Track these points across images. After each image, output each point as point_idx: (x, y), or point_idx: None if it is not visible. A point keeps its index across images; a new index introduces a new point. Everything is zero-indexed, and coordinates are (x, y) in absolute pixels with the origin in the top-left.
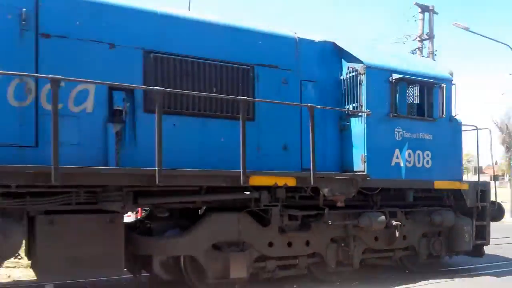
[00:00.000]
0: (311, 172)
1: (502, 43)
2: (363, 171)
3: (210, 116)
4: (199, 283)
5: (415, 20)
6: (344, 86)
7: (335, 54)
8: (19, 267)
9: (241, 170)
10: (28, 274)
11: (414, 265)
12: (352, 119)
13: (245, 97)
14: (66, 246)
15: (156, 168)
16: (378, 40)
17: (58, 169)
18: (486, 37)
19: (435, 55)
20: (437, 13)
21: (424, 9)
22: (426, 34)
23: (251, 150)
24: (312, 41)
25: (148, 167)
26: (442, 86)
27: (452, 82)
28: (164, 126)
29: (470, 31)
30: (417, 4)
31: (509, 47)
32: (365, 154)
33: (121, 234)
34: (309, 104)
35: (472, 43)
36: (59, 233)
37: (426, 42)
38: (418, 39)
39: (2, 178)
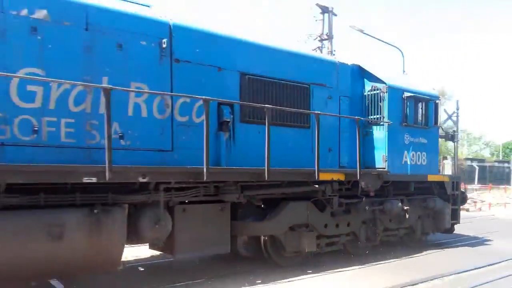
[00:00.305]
0: (358, 169)
1: (393, 46)
2: (384, 168)
3: (282, 125)
4: (277, 257)
5: (316, 21)
6: (368, 100)
7: (360, 74)
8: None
9: (316, 169)
10: (152, 254)
11: (412, 241)
12: (374, 127)
13: (319, 112)
14: (193, 229)
15: (266, 168)
16: (282, 38)
17: (209, 169)
18: (380, 40)
19: (334, 54)
20: (335, 15)
21: (324, 10)
22: (326, 34)
23: (308, 152)
24: (346, 64)
25: (242, 166)
26: (436, 102)
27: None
28: (252, 133)
29: (364, 33)
30: (318, 5)
31: (399, 50)
32: (386, 155)
33: (228, 220)
34: (356, 117)
35: (371, 45)
36: (189, 219)
37: (326, 42)
38: (319, 38)
39: (168, 176)
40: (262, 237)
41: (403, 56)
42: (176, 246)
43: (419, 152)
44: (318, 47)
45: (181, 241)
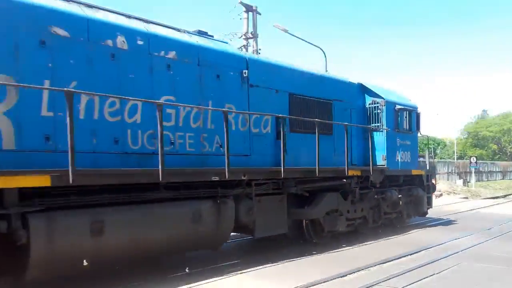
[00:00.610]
0: (370, 167)
1: (315, 46)
2: (384, 165)
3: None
4: (316, 236)
5: (240, 19)
6: (368, 112)
7: (362, 90)
8: None
9: (346, 167)
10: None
11: (399, 222)
12: (374, 133)
13: (347, 123)
14: (265, 215)
15: (317, 167)
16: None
17: (285, 170)
18: (303, 40)
19: (259, 53)
20: (260, 14)
21: (249, 8)
22: (251, 33)
23: (331, 153)
24: (354, 83)
25: (291, 166)
26: (418, 112)
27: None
28: (297, 140)
29: (288, 33)
30: (241, 3)
31: (321, 50)
32: (385, 155)
33: (285, 208)
34: (371, 126)
35: (295, 44)
36: (262, 207)
37: (251, 41)
38: (244, 37)
39: (259, 175)
40: (304, 221)
41: (325, 55)
42: (256, 228)
43: (405, 152)
44: (244, 46)
45: (259, 224)
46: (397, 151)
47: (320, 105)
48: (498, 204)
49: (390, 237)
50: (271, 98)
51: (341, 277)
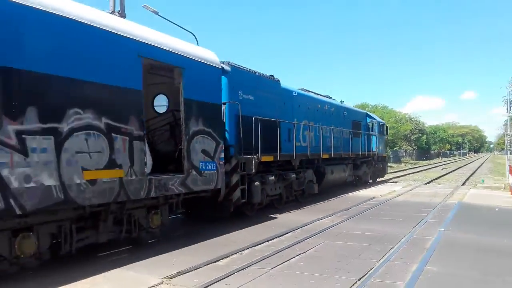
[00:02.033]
0: (371, 152)
1: (188, 31)
2: (376, 152)
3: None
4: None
5: None
6: (368, 126)
7: (366, 116)
8: None
9: (366, 152)
10: None
11: (359, 182)
12: (371, 136)
13: (371, 132)
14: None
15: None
16: None
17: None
18: (174, 24)
19: None
20: None
21: None
22: (118, 12)
23: (362, 146)
24: (364, 112)
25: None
26: (386, 125)
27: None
28: (354, 140)
29: (159, 15)
30: None
31: (193, 35)
32: (377, 147)
33: (352, 170)
34: (376, 133)
35: (165, 26)
36: (329, 177)
37: None
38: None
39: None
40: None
41: (196, 40)
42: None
43: (382, 145)
44: None
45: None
46: (380, 144)
47: (359, 124)
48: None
49: (266, 221)
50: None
51: (214, 262)
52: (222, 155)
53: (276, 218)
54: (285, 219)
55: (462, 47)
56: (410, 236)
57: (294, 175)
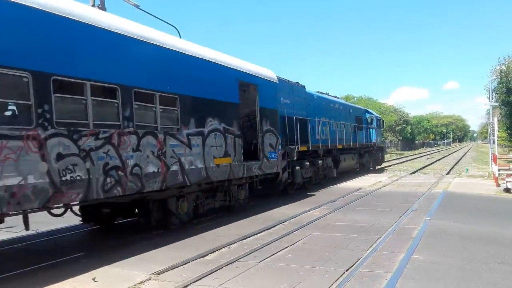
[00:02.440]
0: (371, 143)
1: (170, 24)
2: (376, 143)
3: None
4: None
5: None
6: (368, 121)
7: (366, 111)
8: None
9: (366, 142)
10: None
11: (363, 170)
12: (370, 129)
13: (371, 126)
14: (346, 163)
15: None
16: None
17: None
18: (156, 17)
19: None
20: None
21: None
22: (98, 6)
23: (365, 137)
24: (364, 108)
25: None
26: (383, 120)
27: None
28: (359, 132)
29: (140, 8)
30: None
31: (175, 28)
32: (375, 138)
33: (358, 159)
34: (375, 126)
35: (148, 20)
36: (343, 164)
37: None
38: None
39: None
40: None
41: (179, 33)
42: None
43: (379, 137)
44: None
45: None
46: (377, 136)
47: (361, 119)
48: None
49: (254, 215)
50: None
51: (202, 257)
52: (280, 147)
53: (313, 195)
54: (274, 212)
55: (445, 37)
56: (396, 226)
57: (321, 162)
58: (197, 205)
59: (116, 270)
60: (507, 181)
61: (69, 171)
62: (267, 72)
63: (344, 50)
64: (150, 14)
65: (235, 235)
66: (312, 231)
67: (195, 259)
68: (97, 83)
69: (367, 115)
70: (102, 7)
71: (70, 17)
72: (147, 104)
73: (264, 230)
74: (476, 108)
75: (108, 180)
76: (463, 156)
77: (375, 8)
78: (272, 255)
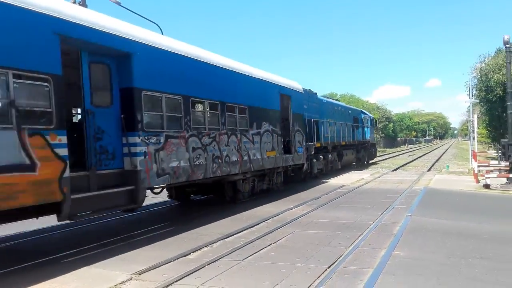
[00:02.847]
0: (366, 140)
1: (151, 21)
2: (370, 140)
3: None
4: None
5: None
6: (363, 120)
7: (361, 112)
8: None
9: (363, 140)
10: None
11: (358, 164)
12: (365, 128)
13: (366, 125)
14: (347, 157)
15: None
16: None
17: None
18: (138, 14)
19: None
20: None
21: None
22: (79, 3)
23: (361, 135)
24: (359, 109)
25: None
26: (376, 119)
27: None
28: (358, 130)
29: (122, 6)
30: None
31: (157, 25)
32: (368, 135)
33: (355, 154)
34: (369, 126)
35: (130, 17)
36: (345, 158)
37: None
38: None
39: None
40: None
41: (161, 30)
42: (362, 159)
43: (373, 134)
44: None
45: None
46: (371, 134)
47: (356, 119)
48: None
49: (236, 214)
50: (350, 118)
51: (184, 256)
52: (304, 143)
53: (326, 181)
54: (258, 210)
55: (428, 35)
56: (378, 223)
57: (330, 156)
58: (254, 186)
59: (96, 271)
60: (486, 178)
61: (197, 159)
62: (297, 85)
63: (327, 48)
64: (132, 12)
65: (218, 234)
66: (295, 229)
67: (177, 259)
68: (210, 101)
69: (362, 116)
70: (83, 3)
71: (199, 59)
72: (232, 113)
73: (247, 229)
74: (457, 106)
75: (214, 165)
76: (444, 153)
77: (357, 6)
78: (255, 253)
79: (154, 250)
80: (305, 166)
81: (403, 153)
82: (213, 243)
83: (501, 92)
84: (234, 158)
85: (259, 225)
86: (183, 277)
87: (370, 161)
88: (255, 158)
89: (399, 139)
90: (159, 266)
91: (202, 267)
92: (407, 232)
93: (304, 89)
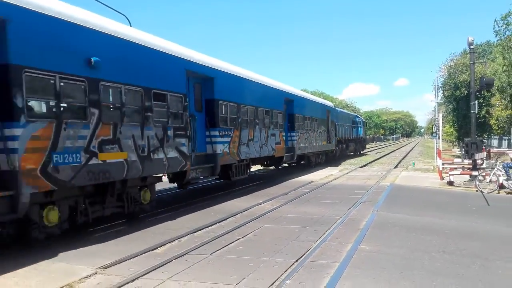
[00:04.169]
0: (361, 136)
1: (120, 13)
2: (362, 136)
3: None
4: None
5: None
6: (357, 122)
7: (356, 116)
8: None
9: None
10: None
11: (357, 151)
12: (359, 127)
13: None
14: (350, 148)
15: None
16: None
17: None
18: (106, 6)
19: None
20: None
21: None
22: None
23: (356, 133)
24: (355, 114)
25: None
26: (365, 121)
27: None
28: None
29: None
30: None
31: (126, 17)
32: (361, 133)
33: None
34: (362, 126)
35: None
36: (349, 148)
37: None
38: None
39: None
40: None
41: (129, 22)
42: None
43: (363, 132)
44: None
45: (349, 150)
46: (363, 132)
47: (354, 121)
48: (305, 173)
49: (205, 208)
50: (350, 121)
51: (151, 250)
52: (334, 137)
53: (296, 178)
54: (227, 205)
55: (397, 36)
56: (345, 218)
57: (344, 145)
58: (315, 159)
59: (59, 265)
60: (450, 175)
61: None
62: (330, 103)
63: (297, 41)
64: (100, 2)
65: (186, 228)
66: (263, 223)
67: (144, 253)
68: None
69: (357, 119)
70: None
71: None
72: (308, 121)
73: (216, 223)
74: (424, 105)
75: (301, 145)
76: (410, 151)
77: (327, 8)
78: (223, 247)
79: (121, 245)
80: (335, 151)
81: (371, 150)
82: (181, 237)
83: (466, 92)
84: (314, 144)
85: (228, 219)
86: (149, 271)
87: (361, 151)
88: (318, 144)
89: (367, 136)
90: (125, 261)
91: (169, 262)
92: (373, 227)
93: (333, 106)
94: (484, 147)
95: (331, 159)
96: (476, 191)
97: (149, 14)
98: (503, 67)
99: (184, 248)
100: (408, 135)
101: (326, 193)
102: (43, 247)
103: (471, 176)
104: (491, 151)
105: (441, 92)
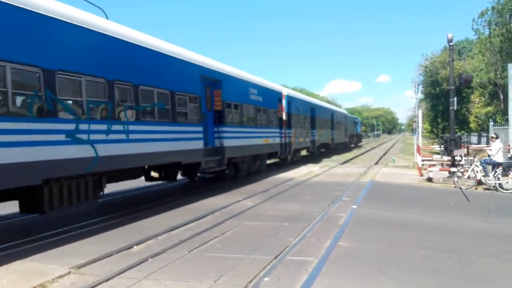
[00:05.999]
0: (359, 133)
1: (96, 6)
2: (359, 132)
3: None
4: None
5: None
6: (356, 122)
7: (355, 117)
8: None
9: (362, 134)
10: None
11: (356, 144)
12: (357, 126)
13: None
14: (354, 140)
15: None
16: None
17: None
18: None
19: None
20: None
21: None
22: None
23: (355, 130)
24: (352, 115)
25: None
26: (361, 121)
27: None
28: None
29: None
30: None
31: (102, 10)
32: (359, 130)
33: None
34: (358, 124)
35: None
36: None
37: None
38: None
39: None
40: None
41: (106, 15)
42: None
43: (360, 129)
44: None
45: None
46: (360, 129)
47: (353, 121)
48: (286, 170)
49: (183, 206)
50: (351, 121)
51: (127, 249)
52: (347, 132)
53: (276, 175)
54: (206, 202)
55: (379, 33)
56: (324, 214)
57: (352, 139)
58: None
59: (31, 265)
60: (429, 171)
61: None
62: (344, 111)
63: (277, 37)
64: None
65: (163, 226)
66: (242, 221)
67: (120, 252)
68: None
69: (356, 119)
70: None
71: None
72: (322, 120)
73: (194, 221)
74: (405, 101)
75: (323, 138)
76: (391, 147)
77: (307, 5)
78: (201, 245)
79: (96, 244)
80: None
81: (352, 147)
82: (158, 235)
83: (446, 88)
84: (338, 137)
85: (206, 217)
86: (125, 270)
87: (358, 144)
88: (338, 137)
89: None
90: (100, 260)
91: (146, 260)
92: (352, 224)
93: (347, 113)
94: (463, 144)
95: (312, 156)
96: (455, 187)
97: (125, 9)
98: (480, 66)
99: (161, 247)
100: (389, 132)
101: (306, 190)
102: (15, 246)
103: (449, 172)
104: (470, 147)
105: (422, 88)
